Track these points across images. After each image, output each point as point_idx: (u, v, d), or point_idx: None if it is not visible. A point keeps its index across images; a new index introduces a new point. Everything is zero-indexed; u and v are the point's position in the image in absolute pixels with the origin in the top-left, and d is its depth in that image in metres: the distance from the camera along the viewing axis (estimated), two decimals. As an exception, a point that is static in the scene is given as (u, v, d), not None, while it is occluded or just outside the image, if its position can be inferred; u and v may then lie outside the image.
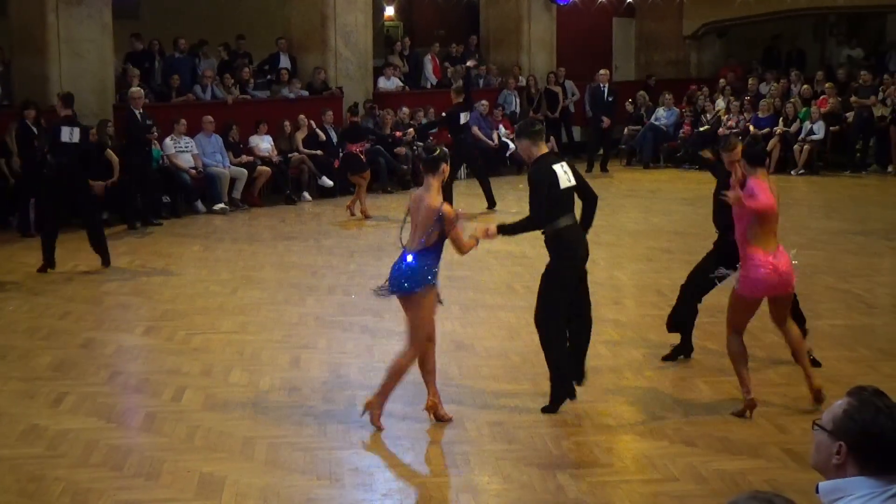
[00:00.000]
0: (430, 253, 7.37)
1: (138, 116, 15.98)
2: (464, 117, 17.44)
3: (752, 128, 21.82)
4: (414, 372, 7.63)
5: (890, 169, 21.10)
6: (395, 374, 7.51)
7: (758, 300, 7.71)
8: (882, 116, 21.27)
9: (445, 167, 7.51)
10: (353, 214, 17.08)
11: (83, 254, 13.57)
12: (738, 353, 7.74)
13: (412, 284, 7.34)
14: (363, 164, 17.41)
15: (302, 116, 19.20)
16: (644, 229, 15.58)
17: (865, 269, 12.67)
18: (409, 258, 7.36)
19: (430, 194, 7.38)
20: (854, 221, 15.92)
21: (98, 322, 10.65)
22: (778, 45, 27.44)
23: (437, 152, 7.53)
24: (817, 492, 3.48)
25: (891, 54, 25.52)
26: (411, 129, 20.24)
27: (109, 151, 16.22)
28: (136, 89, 16.40)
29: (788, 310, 7.95)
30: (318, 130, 19.30)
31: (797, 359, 7.96)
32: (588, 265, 8.01)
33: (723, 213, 8.20)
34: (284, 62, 20.84)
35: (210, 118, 17.93)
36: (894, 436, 3.37)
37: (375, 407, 7.50)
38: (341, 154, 17.90)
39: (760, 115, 22.07)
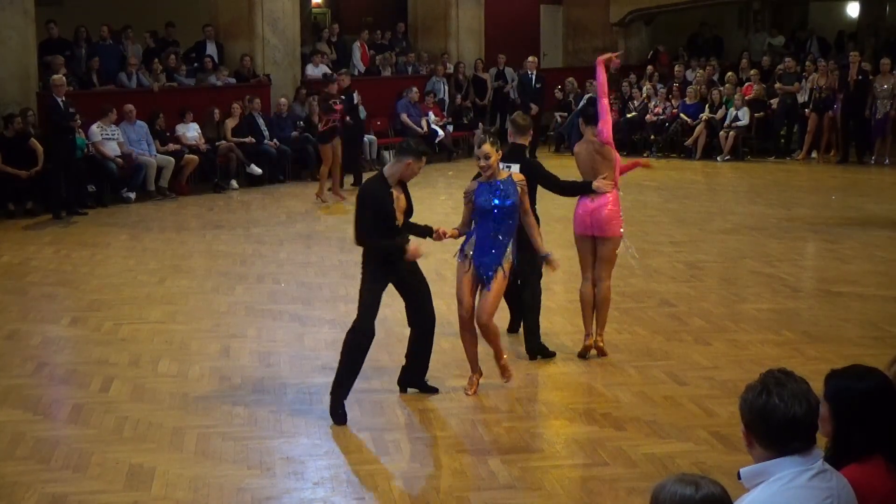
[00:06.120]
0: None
1: (61, 104, 15.74)
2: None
3: (683, 115, 22.14)
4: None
5: (814, 154, 21.44)
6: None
7: (581, 237, 8.84)
8: (805, 103, 21.60)
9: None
10: (324, 202, 16.96)
11: (6, 244, 13.36)
12: (582, 294, 8.81)
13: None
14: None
15: (235, 105, 19.03)
16: (572, 215, 15.56)
17: (790, 254, 12.85)
18: None
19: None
20: (778, 206, 16.13)
21: (23, 313, 10.49)
22: (703, 32, 27.70)
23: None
24: (739, 478, 3.52)
25: (812, 41, 25.91)
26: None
27: (33, 140, 15.99)
28: (58, 77, 16.14)
29: (604, 264, 8.69)
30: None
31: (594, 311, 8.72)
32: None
33: None
34: (211, 49, 20.64)
35: (131, 106, 17.64)
36: (786, 411, 3.39)
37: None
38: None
39: (688, 101, 22.33)
